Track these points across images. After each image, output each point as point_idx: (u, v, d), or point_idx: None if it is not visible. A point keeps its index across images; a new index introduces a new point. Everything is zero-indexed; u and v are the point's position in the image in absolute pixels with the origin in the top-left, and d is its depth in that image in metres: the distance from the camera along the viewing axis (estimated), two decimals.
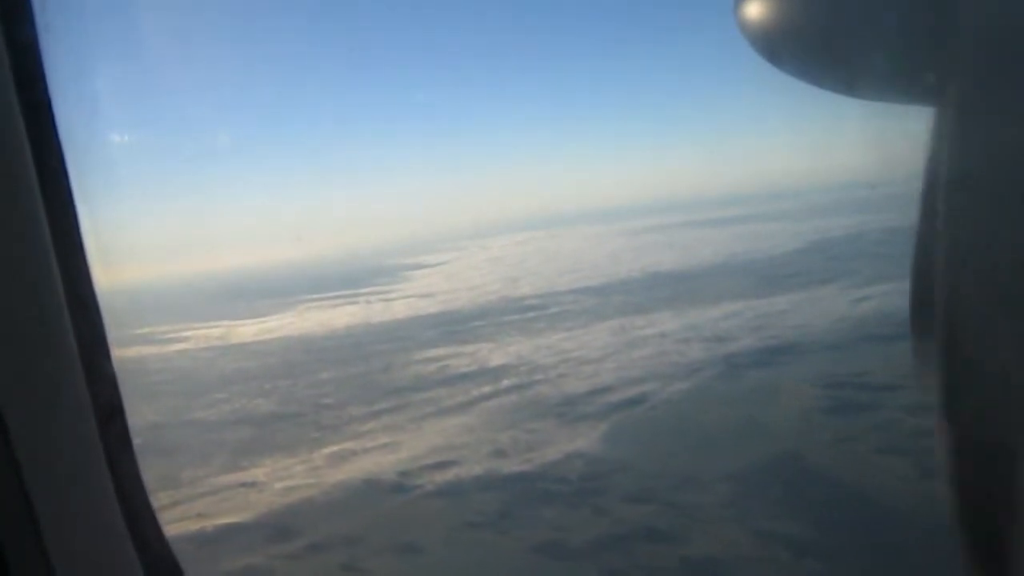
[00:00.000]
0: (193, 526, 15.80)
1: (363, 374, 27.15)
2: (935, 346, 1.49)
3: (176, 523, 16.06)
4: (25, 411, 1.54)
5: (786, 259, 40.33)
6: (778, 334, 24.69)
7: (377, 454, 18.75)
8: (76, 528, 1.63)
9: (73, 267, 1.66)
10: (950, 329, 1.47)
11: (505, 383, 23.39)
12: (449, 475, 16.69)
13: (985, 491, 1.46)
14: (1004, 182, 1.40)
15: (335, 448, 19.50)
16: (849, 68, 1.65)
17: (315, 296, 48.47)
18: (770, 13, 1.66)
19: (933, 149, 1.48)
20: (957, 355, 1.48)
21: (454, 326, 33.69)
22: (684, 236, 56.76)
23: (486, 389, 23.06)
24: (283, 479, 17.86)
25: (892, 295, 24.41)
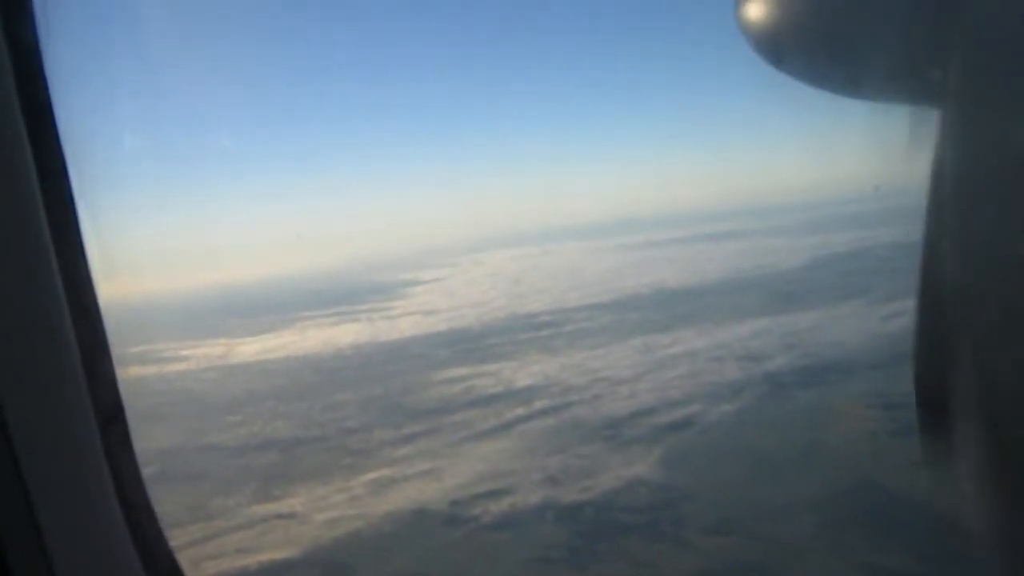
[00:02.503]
0: (235, 562, 14.83)
1: (383, 395, 26.22)
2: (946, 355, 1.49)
3: (215, 559, 15.08)
4: (26, 413, 1.53)
5: (796, 275, 40.00)
6: (814, 352, 24.19)
7: (419, 482, 17.85)
8: (77, 530, 1.62)
9: (73, 269, 1.66)
10: (960, 329, 1.47)
11: (538, 405, 22.60)
12: (504, 505, 15.85)
13: (999, 485, 1.46)
14: (1008, 182, 1.38)
15: (372, 475, 18.57)
16: (853, 69, 1.61)
17: (312, 313, 47.36)
18: (773, 15, 1.64)
19: (937, 150, 1.46)
20: (968, 357, 1.46)
21: (468, 344, 32.86)
22: (682, 252, 56.43)
23: (519, 411, 22.26)
24: (323, 509, 16.90)
25: None
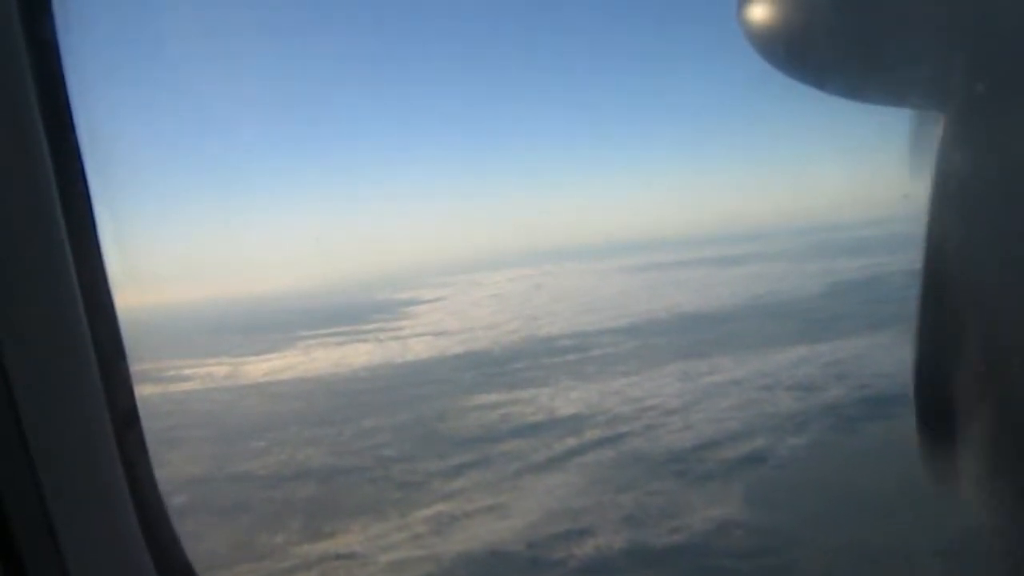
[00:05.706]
0: None
1: (416, 421, 24.99)
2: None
3: None
4: (42, 415, 1.53)
5: (816, 302, 39.49)
6: (869, 383, 23.39)
7: (484, 519, 16.69)
8: (91, 532, 1.62)
9: (90, 270, 1.65)
10: (964, 333, 1.52)
11: (589, 435, 21.56)
12: (588, 548, 14.73)
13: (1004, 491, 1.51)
14: (1014, 185, 1.38)
15: (429, 511, 17.36)
16: (858, 71, 1.57)
17: (313, 332, 45.95)
18: (777, 17, 1.59)
19: (940, 153, 1.44)
20: (972, 361, 1.51)
21: (491, 368, 31.77)
22: (689, 275, 55.86)
23: (570, 442, 21.19)
24: (385, 549, 15.66)
25: None
